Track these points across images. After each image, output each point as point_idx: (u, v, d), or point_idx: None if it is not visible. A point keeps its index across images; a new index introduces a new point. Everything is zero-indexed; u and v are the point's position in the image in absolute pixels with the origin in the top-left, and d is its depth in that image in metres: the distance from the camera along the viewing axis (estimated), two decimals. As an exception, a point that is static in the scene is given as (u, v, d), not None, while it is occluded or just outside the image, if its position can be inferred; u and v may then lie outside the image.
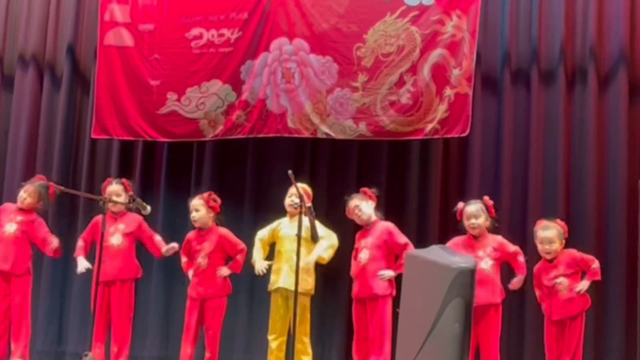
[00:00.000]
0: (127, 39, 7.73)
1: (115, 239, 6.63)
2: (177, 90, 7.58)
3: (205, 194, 6.69)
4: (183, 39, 7.58)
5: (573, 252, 6.12)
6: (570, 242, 6.23)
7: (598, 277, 6.06)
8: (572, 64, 7.31)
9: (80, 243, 6.80)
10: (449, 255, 4.59)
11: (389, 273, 6.28)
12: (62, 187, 6.78)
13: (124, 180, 6.89)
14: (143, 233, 6.76)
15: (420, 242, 6.78)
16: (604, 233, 7.07)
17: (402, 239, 6.37)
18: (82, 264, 6.67)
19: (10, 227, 6.72)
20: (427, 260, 4.48)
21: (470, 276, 4.32)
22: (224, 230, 6.68)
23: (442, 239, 6.68)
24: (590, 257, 6.10)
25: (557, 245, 6.07)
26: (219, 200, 6.69)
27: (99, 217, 6.33)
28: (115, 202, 6.61)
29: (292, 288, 5.73)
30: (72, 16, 8.27)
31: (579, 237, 6.68)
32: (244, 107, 7.45)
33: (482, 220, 6.20)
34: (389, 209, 6.82)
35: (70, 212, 8.05)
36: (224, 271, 6.57)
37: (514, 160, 7.31)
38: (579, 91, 7.28)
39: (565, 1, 7.31)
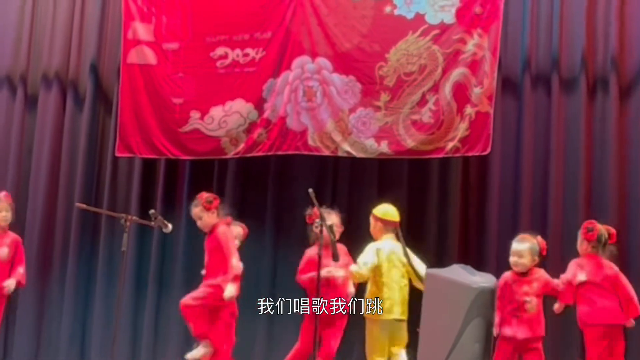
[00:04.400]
0: (150, 57, 7.80)
1: None
2: (200, 109, 7.63)
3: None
4: (208, 59, 7.63)
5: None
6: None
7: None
8: (593, 74, 7.27)
9: None
10: (469, 275, 4.61)
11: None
12: (84, 205, 6.79)
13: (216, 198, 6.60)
14: None
15: (440, 260, 6.78)
16: (626, 242, 6.98)
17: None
18: None
19: (3, 252, 6.67)
20: (448, 279, 4.50)
21: (490, 296, 4.34)
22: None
23: (462, 257, 6.68)
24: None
25: (525, 260, 5.90)
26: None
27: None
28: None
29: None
30: (95, 35, 8.35)
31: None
32: (265, 125, 7.49)
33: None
34: (408, 226, 6.80)
35: (92, 230, 8.14)
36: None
37: (534, 170, 7.27)
38: (600, 100, 7.24)
39: (586, 11, 7.27)
